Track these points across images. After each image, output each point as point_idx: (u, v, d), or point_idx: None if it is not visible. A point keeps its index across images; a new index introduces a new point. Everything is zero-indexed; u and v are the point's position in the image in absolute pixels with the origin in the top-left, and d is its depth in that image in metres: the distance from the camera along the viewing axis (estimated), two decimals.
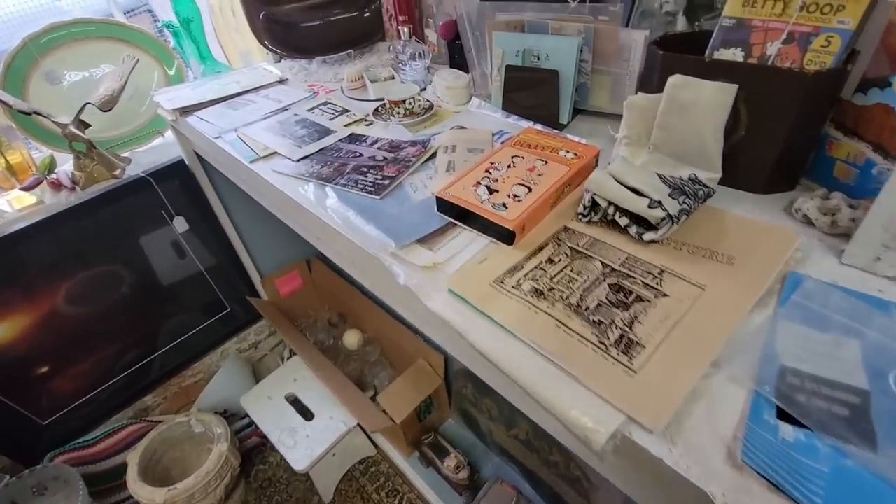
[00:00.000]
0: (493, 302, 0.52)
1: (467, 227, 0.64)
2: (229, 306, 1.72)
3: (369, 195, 0.74)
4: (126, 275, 1.40)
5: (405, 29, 1.14)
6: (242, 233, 1.60)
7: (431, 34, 1.22)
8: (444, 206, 0.65)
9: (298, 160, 0.87)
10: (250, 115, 1.08)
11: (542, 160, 0.70)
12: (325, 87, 1.21)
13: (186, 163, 1.40)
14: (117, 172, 1.32)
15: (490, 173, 0.68)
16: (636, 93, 0.83)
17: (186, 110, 1.15)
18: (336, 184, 0.78)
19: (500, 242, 0.61)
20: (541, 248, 0.59)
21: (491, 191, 0.64)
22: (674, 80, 0.61)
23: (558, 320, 0.49)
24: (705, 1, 0.77)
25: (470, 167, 0.70)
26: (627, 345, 0.45)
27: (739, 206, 0.64)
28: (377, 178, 0.77)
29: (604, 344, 0.46)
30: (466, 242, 0.63)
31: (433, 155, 0.82)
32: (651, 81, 0.69)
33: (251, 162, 0.90)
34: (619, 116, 0.86)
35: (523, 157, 0.71)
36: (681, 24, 0.80)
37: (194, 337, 1.63)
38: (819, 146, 0.63)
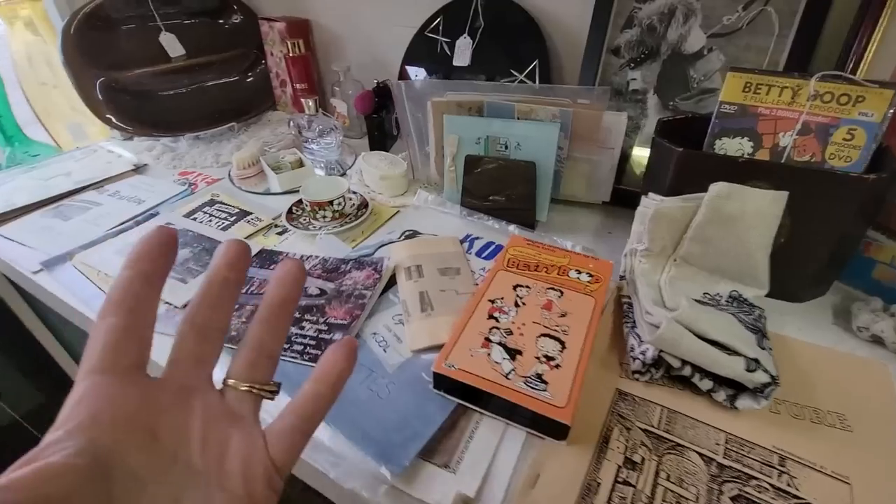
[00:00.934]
0: None
1: (486, 413, 0.44)
2: None
3: (314, 365, 0.49)
4: None
5: (310, 102, 0.91)
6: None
7: (339, 104, 1.01)
8: (448, 383, 0.44)
9: (185, 305, 0.59)
10: (94, 227, 0.75)
11: (554, 289, 0.53)
12: (203, 174, 0.92)
13: None
14: None
15: (497, 320, 0.49)
16: (616, 181, 0.72)
17: None
18: None
19: (543, 436, 0.42)
20: (605, 439, 0.41)
21: (511, 352, 0.45)
22: (718, 190, 0.49)
23: None
24: (679, 79, 0.69)
25: (463, 310, 0.50)
26: None
27: (786, 321, 0.54)
28: (321, 332, 0.53)
29: None
30: (493, 440, 0.42)
31: (389, 281, 0.60)
32: (658, 178, 0.57)
33: None
34: (596, 206, 0.75)
35: (529, 288, 0.53)
36: (652, 105, 0.72)
37: None
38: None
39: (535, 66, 0.79)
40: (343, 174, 0.90)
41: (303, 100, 0.91)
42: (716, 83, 0.67)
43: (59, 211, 0.80)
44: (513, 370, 0.43)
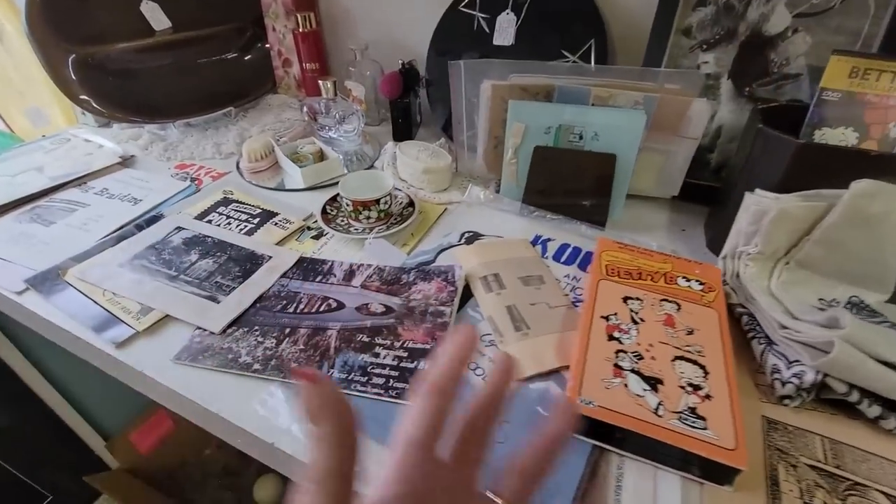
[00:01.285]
0: None
1: (627, 454, 0.37)
2: (51, 493, 1.10)
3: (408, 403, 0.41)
4: None
5: (328, 83, 0.80)
6: (69, 389, 1.02)
7: (356, 87, 0.91)
8: (584, 423, 0.37)
9: (225, 330, 0.49)
10: (83, 233, 0.63)
11: (669, 301, 0.46)
12: (206, 167, 0.80)
13: None
14: None
15: (620, 342, 0.42)
16: (686, 173, 0.66)
17: None
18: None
19: (703, 480, 0.36)
20: (773, 480, 0.36)
21: (650, 382, 0.39)
22: (862, 188, 0.43)
23: None
24: (758, 63, 0.64)
25: (577, 331, 0.43)
26: None
27: None
28: (402, 360, 0.45)
29: None
30: (646, 488, 0.36)
31: (465, 293, 0.52)
32: (763, 173, 0.52)
33: (121, 346, 0.48)
34: (662, 201, 0.69)
35: (641, 300, 0.46)
36: (725, 90, 0.66)
37: None
38: None
39: (590, 47, 0.72)
40: (371, 167, 0.80)
41: (320, 81, 0.81)
42: (798, 67, 0.62)
43: (36, 214, 0.66)
44: (660, 404, 0.37)
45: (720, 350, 0.42)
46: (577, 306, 0.50)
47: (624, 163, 0.59)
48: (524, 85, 0.60)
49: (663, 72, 0.59)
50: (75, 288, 0.54)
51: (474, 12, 0.79)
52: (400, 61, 0.84)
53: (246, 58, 0.98)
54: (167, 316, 0.50)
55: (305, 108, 0.86)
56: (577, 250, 0.59)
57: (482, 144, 0.69)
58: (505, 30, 0.76)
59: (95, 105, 0.83)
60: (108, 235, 0.62)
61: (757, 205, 0.50)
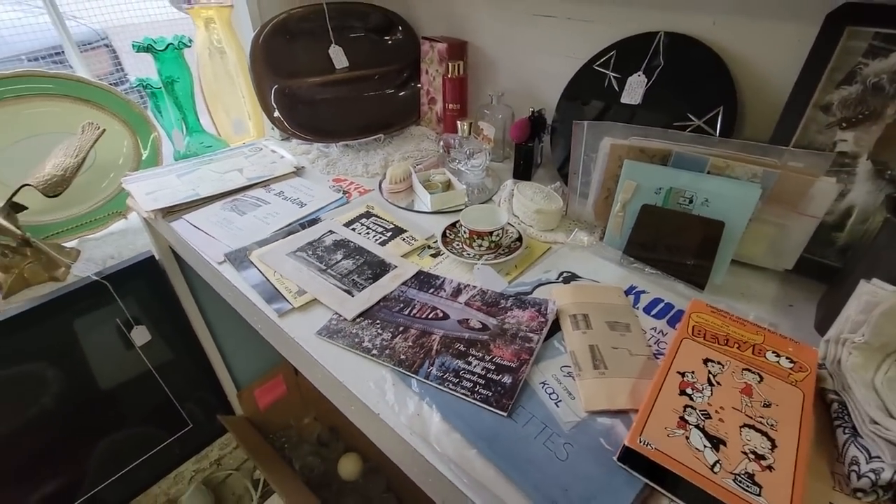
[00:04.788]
0: None
1: (677, 501, 0.41)
2: (192, 423, 1.36)
3: (489, 408, 0.49)
4: (57, 383, 1.03)
5: (465, 125, 0.93)
6: (220, 340, 1.28)
7: (487, 127, 1.02)
8: (641, 462, 0.42)
9: (355, 319, 0.61)
10: (264, 225, 0.81)
11: (752, 372, 0.48)
12: (355, 183, 0.97)
13: (157, 258, 1.08)
14: (59, 273, 0.99)
15: (691, 398, 0.45)
16: (804, 249, 0.65)
17: (172, 210, 0.86)
18: (428, 378, 0.52)
19: None
20: None
21: (713, 441, 0.42)
22: None
23: None
24: None
25: (651, 380, 0.47)
26: None
27: None
28: (489, 372, 0.53)
29: None
30: None
31: (554, 326, 0.59)
32: (888, 263, 0.51)
33: (282, 315, 0.63)
34: (772, 272, 0.67)
35: (722, 365, 0.49)
36: (862, 171, 0.64)
37: (147, 462, 1.25)
38: None
39: (717, 113, 0.74)
40: (489, 200, 0.90)
41: (458, 122, 0.93)
42: None
43: (234, 205, 0.88)
44: (718, 462, 0.40)
45: (796, 428, 0.43)
46: (657, 358, 0.54)
47: (732, 231, 0.60)
48: (642, 147, 0.66)
49: (788, 150, 0.60)
50: (256, 267, 0.71)
51: (607, 71, 0.85)
52: (530, 109, 0.93)
53: (400, 94, 1.16)
54: (315, 300, 0.65)
55: (442, 142, 0.99)
56: (669, 306, 0.61)
57: (593, 193, 0.75)
58: (634, 90, 0.82)
59: (285, 124, 1.06)
60: (280, 229, 0.80)
61: (871, 295, 0.49)
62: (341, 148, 1.08)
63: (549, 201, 0.78)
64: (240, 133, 1.37)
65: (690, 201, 0.63)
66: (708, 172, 0.62)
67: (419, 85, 1.15)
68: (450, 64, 1.01)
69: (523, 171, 0.96)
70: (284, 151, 1.07)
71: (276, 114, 1.04)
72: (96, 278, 1.00)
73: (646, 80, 0.80)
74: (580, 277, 0.67)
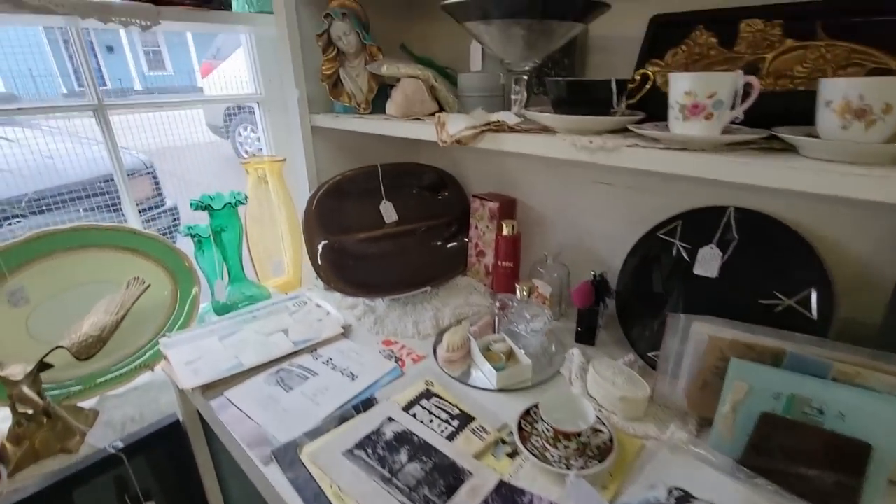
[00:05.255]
0: None
1: None
2: None
3: None
4: None
5: (525, 289, 0.89)
6: None
7: (543, 286, 0.98)
8: None
9: None
10: (314, 406, 0.73)
11: None
12: (407, 347, 0.90)
13: (181, 421, 0.99)
14: (72, 445, 0.89)
15: None
16: None
17: (211, 386, 0.79)
18: None
19: None
20: None
21: None
22: None
23: None
24: None
25: None
26: None
27: None
28: None
29: None
30: None
31: None
32: None
33: None
34: None
35: None
36: None
37: None
38: None
39: (809, 293, 0.69)
40: (557, 374, 0.82)
41: (517, 285, 0.90)
42: None
43: (280, 377, 0.80)
44: None
45: None
46: None
47: (883, 456, 0.51)
48: (749, 343, 0.59)
49: None
50: (307, 469, 0.62)
51: (674, 240, 0.83)
52: (592, 273, 0.90)
53: (448, 246, 1.15)
54: None
55: (498, 302, 0.94)
56: None
57: (685, 379, 0.68)
58: (708, 262, 0.78)
59: (331, 275, 1.03)
60: (332, 414, 0.72)
61: None
62: (388, 302, 1.04)
63: (634, 386, 0.70)
64: (278, 274, 1.35)
65: (821, 412, 0.54)
66: (833, 379, 0.55)
67: (466, 239, 1.14)
68: (504, 223, 1.01)
69: (586, 336, 0.90)
70: (330, 307, 1.02)
71: (322, 266, 1.02)
72: (113, 450, 0.89)
73: (720, 254, 0.77)
74: (695, 498, 0.56)
